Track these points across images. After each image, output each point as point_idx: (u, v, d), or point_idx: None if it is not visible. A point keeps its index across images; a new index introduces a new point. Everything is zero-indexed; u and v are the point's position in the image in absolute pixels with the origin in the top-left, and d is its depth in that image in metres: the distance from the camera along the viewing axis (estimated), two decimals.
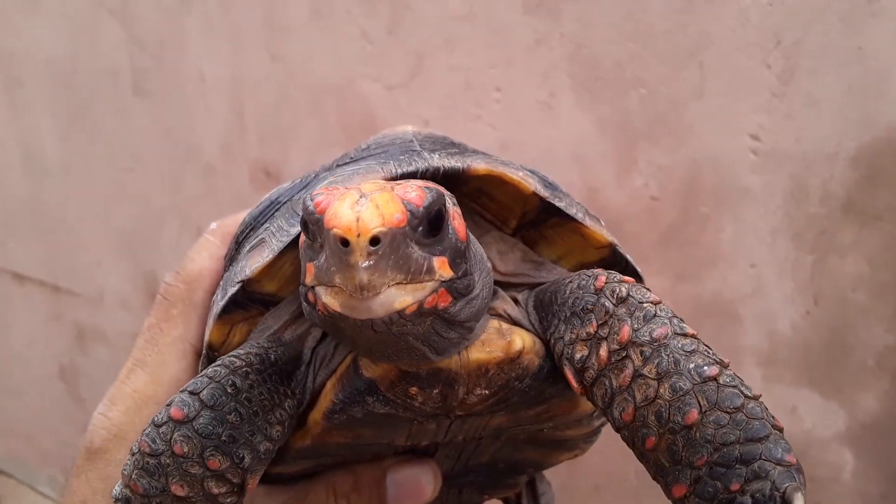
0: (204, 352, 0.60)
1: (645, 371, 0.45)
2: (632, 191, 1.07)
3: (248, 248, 0.57)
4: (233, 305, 0.56)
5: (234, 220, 0.66)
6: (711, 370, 0.44)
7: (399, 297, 0.41)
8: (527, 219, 0.59)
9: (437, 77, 1.19)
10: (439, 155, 0.57)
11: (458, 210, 0.49)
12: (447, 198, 0.47)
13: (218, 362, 0.53)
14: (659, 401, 0.44)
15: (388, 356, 0.49)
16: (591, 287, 0.51)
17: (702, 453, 0.42)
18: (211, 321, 0.58)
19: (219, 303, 0.57)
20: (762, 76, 0.94)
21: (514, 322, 0.55)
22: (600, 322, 0.49)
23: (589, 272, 0.53)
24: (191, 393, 0.49)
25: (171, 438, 0.48)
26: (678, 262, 1.07)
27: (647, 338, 0.46)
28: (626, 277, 0.51)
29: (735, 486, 0.41)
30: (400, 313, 0.42)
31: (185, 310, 0.65)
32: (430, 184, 0.46)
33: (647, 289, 0.50)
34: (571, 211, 0.57)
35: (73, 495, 0.61)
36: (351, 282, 0.40)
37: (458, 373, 0.51)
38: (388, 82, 1.24)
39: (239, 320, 0.58)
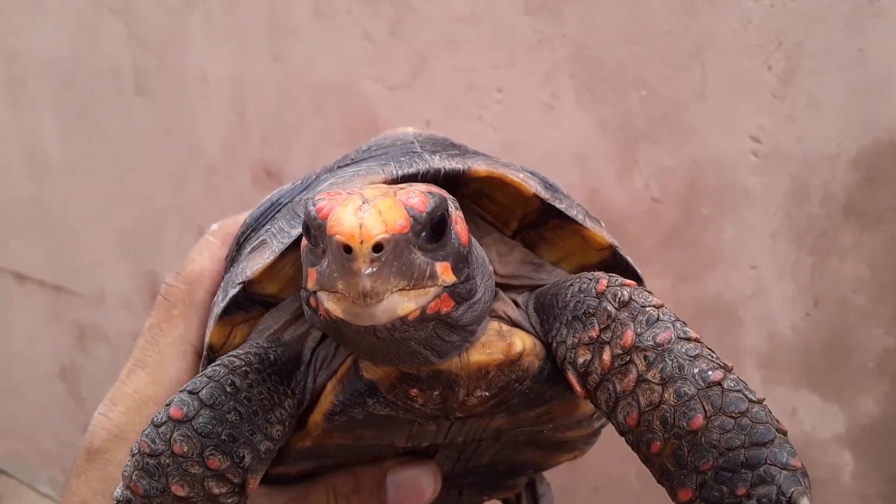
0: (205, 353, 0.60)
1: (649, 376, 0.45)
2: (633, 192, 1.07)
3: (249, 249, 0.57)
4: (233, 307, 0.56)
5: (235, 221, 0.66)
6: (716, 375, 0.44)
7: (402, 304, 0.41)
8: (527, 220, 0.59)
9: (439, 78, 1.19)
10: (440, 156, 0.57)
11: (461, 214, 0.49)
12: (450, 202, 0.47)
13: (217, 362, 0.53)
14: (664, 406, 0.44)
15: (390, 360, 0.49)
16: (593, 291, 0.51)
17: (707, 458, 0.42)
18: (212, 322, 0.58)
19: (219, 304, 0.57)
20: (764, 77, 0.94)
21: (514, 324, 0.55)
22: (602, 326, 0.49)
23: (590, 275, 0.53)
24: (190, 392, 0.49)
25: (170, 438, 0.48)
26: (679, 264, 1.07)
27: (651, 342, 0.46)
28: (628, 281, 0.51)
29: (741, 491, 0.41)
30: (403, 319, 0.41)
31: (186, 310, 0.65)
32: (433, 188, 0.46)
33: (649, 292, 0.50)
34: (572, 213, 0.57)
35: (73, 495, 0.61)
36: (354, 288, 0.40)
37: (459, 374, 0.51)
38: (390, 83, 1.24)
39: (240, 321, 0.58)
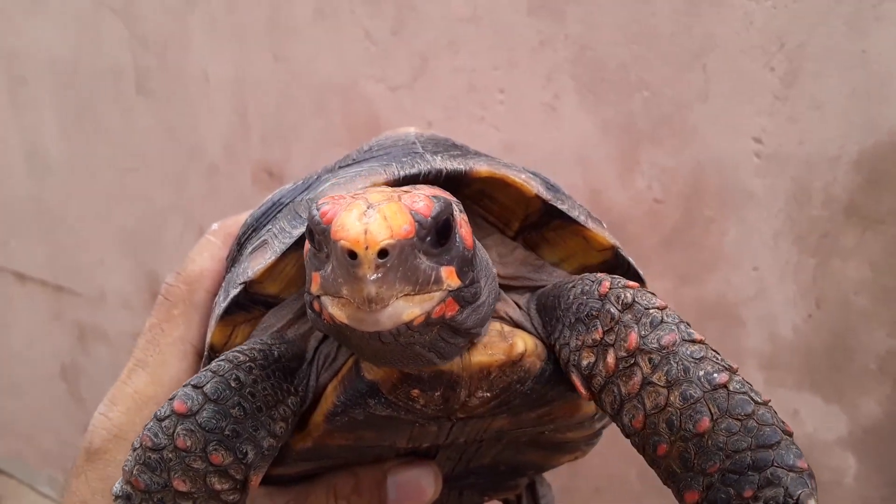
0: (206, 353, 0.60)
1: (654, 379, 0.45)
2: (635, 193, 1.07)
3: (250, 249, 0.57)
4: (235, 307, 0.56)
5: (236, 221, 0.66)
6: (721, 377, 0.44)
7: (407, 309, 0.41)
8: (529, 221, 0.59)
9: (441, 78, 1.18)
10: (442, 157, 0.56)
11: (465, 217, 0.48)
12: (454, 205, 0.47)
13: (221, 357, 0.52)
14: (669, 409, 0.44)
15: (394, 362, 0.49)
16: (596, 292, 0.51)
17: (714, 461, 0.42)
18: (213, 322, 0.58)
19: (221, 304, 0.57)
20: (766, 79, 0.94)
21: (516, 325, 0.55)
22: (606, 328, 0.49)
23: (592, 277, 0.53)
24: (194, 387, 0.49)
25: (173, 432, 0.47)
26: (681, 265, 1.06)
27: (656, 345, 0.46)
28: (631, 282, 0.51)
29: (748, 493, 0.41)
30: (408, 325, 0.41)
31: (187, 310, 0.65)
32: (438, 191, 0.46)
33: (653, 293, 0.50)
34: (574, 213, 0.57)
35: (73, 495, 0.61)
36: (359, 294, 0.39)
37: (460, 375, 0.51)
38: (392, 83, 1.24)
39: (241, 322, 0.58)
